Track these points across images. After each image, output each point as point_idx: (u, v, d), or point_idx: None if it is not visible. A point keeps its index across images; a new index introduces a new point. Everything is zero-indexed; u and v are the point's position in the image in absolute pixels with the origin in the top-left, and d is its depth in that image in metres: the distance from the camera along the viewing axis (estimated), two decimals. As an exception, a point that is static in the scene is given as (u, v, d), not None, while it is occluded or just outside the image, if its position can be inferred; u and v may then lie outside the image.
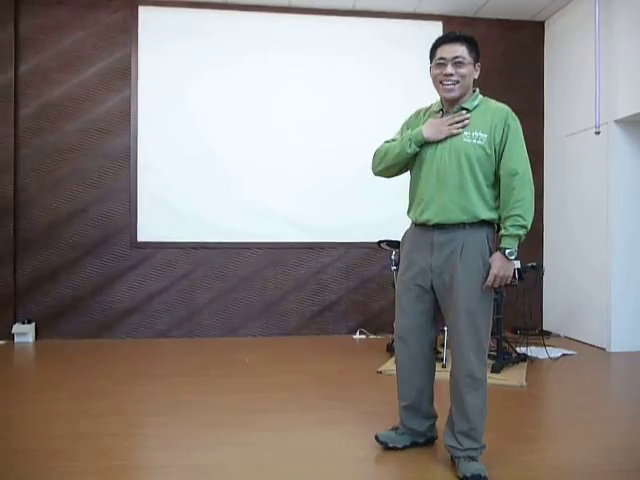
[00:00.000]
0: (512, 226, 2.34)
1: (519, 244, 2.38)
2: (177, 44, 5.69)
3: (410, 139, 2.49)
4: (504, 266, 2.37)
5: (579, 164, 5.65)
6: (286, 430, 3.04)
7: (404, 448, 2.72)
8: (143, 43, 5.65)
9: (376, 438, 2.75)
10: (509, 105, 2.52)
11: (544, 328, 6.03)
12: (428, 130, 2.45)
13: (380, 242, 5.00)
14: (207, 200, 5.73)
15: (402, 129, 2.68)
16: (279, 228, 5.82)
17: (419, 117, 2.63)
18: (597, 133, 5.17)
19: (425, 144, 2.48)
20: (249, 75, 5.79)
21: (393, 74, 5.91)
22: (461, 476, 2.38)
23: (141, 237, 5.65)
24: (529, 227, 2.37)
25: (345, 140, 5.87)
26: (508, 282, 2.40)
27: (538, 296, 6.07)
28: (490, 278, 2.37)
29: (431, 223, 2.44)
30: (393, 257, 4.78)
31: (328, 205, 5.86)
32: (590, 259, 5.46)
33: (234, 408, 3.41)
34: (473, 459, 2.42)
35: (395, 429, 2.78)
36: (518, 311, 5.25)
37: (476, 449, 2.44)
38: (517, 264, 4.55)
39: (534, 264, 4.76)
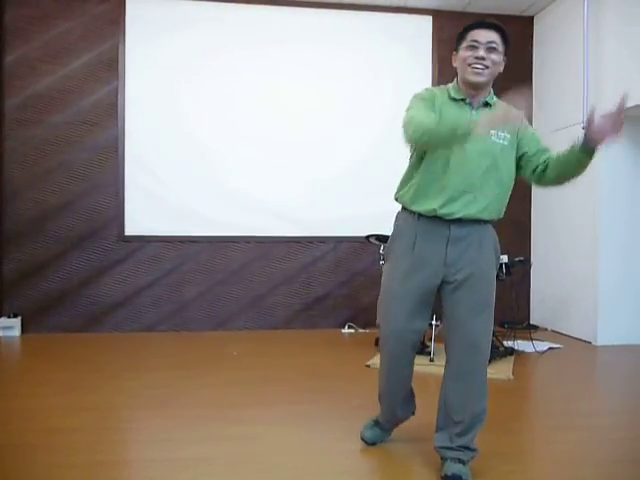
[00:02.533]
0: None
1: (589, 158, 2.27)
2: (166, 36, 5.64)
3: (459, 133, 2.10)
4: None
5: (567, 159, 5.67)
6: (274, 423, 3.04)
7: (391, 439, 2.75)
8: (131, 34, 5.59)
9: (363, 440, 2.73)
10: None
11: (531, 322, 6.08)
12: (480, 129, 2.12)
13: (369, 236, 5.00)
14: (195, 193, 5.70)
15: (424, 100, 2.37)
16: (268, 222, 5.80)
17: (435, 96, 2.40)
18: (584, 128, 5.18)
19: None
20: (238, 68, 5.75)
21: (383, 67, 5.89)
22: (442, 475, 2.32)
23: (129, 231, 5.61)
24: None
25: (334, 133, 5.85)
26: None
27: (525, 290, 6.11)
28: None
29: (454, 217, 2.31)
30: (382, 251, 4.78)
31: (317, 199, 5.85)
32: (577, 253, 5.50)
33: (222, 402, 3.40)
34: (461, 461, 2.32)
35: (377, 423, 2.75)
36: (506, 305, 5.27)
37: (465, 450, 2.35)
38: (505, 259, 4.61)
39: (522, 258, 4.79)
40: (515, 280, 4.90)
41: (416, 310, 2.41)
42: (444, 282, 2.38)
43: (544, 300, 6.05)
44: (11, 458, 2.56)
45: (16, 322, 5.35)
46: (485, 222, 2.38)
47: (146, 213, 5.64)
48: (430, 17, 5.99)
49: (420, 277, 2.38)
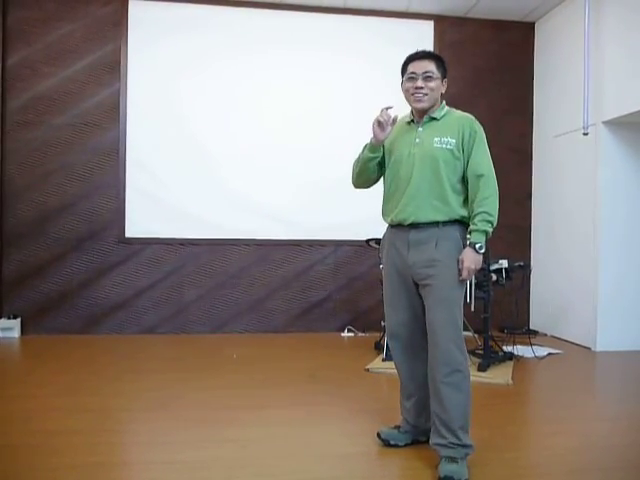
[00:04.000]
0: (480, 222, 2.48)
1: (487, 239, 2.52)
2: (167, 38, 5.66)
3: (365, 145, 2.74)
4: (475, 259, 2.49)
5: (567, 165, 5.69)
6: (273, 426, 3.04)
7: (405, 446, 2.73)
8: (133, 37, 5.61)
9: (378, 435, 2.77)
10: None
11: (531, 327, 6.07)
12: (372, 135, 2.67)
13: (369, 240, 5.01)
14: (196, 196, 5.71)
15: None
16: (268, 225, 5.81)
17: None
18: (585, 134, 5.20)
19: (397, 149, 2.66)
20: (239, 71, 5.77)
21: (384, 72, 5.89)
22: (437, 476, 2.38)
23: (129, 233, 5.62)
24: (495, 223, 2.52)
25: (335, 137, 5.86)
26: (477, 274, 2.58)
27: (525, 295, 6.10)
28: (465, 273, 2.49)
29: (407, 223, 2.58)
30: (381, 255, 4.78)
31: (317, 203, 5.86)
32: (577, 259, 5.50)
33: (221, 404, 3.40)
34: (454, 460, 2.39)
35: (397, 427, 2.80)
36: (505, 310, 5.28)
37: (459, 445, 2.42)
38: (505, 263, 4.61)
39: (521, 263, 4.79)
40: (515, 285, 4.89)
41: (403, 309, 2.67)
42: (415, 283, 2.61)
43: (544, 305, 6.05)
44: (11, 459, 2.56)
45: (16, 323, 5.35)
46: (444, 223, 2.54)
47: (146, 215, 5.64)
48: (432, 22, 6.01)
49: (396, 279, 2.67)
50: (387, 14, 5.94)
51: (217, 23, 5.73)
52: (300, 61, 5.86)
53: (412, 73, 2.62)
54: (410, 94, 2.64)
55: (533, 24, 6.26)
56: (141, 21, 5.63)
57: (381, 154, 2.72)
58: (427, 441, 2.66)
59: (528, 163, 6.25)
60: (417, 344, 2.67)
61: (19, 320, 5.40)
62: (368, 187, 2.88)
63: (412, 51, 2.72)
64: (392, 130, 2.72)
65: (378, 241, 4.90)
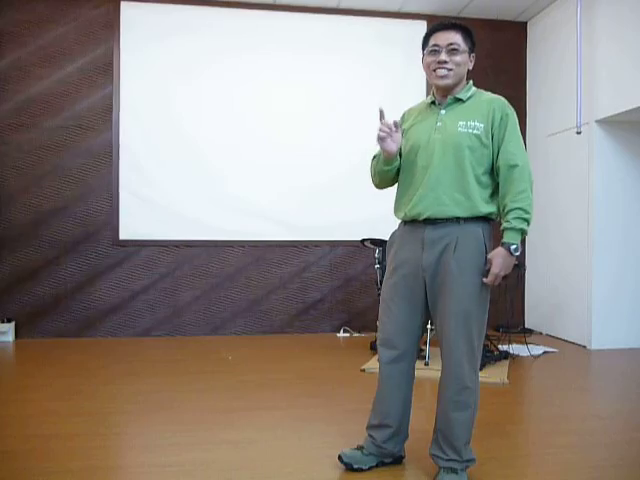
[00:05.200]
0: (515, 219, 2.17)
1: (522, 240, 2.22)
2: (160, 40, 5.65)
3: (376, 156, 2.48)
4: (506, 263, 2.20)
5: (561, 163, 5.71)
6: (269, 428, 3.04)
7: (370, 469, 2.47)
8: (125, 39, 5.59)
9: (339, 458, 2.46)
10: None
11: (526, 326, 6.08)
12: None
13: (364, 240, 5.01)
14: (190, 198, 5.70)
15: None
16: (263, 226, 5.80)
17: (404, 119, 2.53)
18: (578, 133, 5.22)
19: (415, 135, 2.37)
20: (233, 72, 5.76)
21: (378, 72, 5.91)
22: None
23: (123, 235, 5.60)
24: (530, 221, 2.21)
25: (329, 138, 5.87)
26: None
27: (520, 294, 6.13)
28: (491, 278, 2.21)
29: (422, 218, 2.28)
30: (377, 255, 4.79)
31: (312, 203, 5.86)
32: (571, 258, 5.52)
33: (217, 406, 3.40)
34: (454, 471, 2.27)
35: (360, 448, 2.50)
36: (500, 309, 5.28)
37: (459, 461, 2.29)
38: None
39: (516, 262, 4.78)
40: (510, 284, 4.90)
41: (403, 316, 2.37)
42: (426, 287, 2.32)
43: (539, 304, 6.06)
44: (8, 464, 2.54)
45: (10, 327, 5.33)
46: (466, 220, 2.25)
47: (141, 217, 5.63)
48: (424, 22, 6.01)
49: (401, 283, 2.36)
50: (380, 14, 5.94)
51: (210, 24, 5.72)
52: (294, 62, 5.86)
53: (435, 45, 2.29)
54: (432, 70, 2.31)
55: (525, 23, 6.28)
56: (133, 23, 5.61)
57: (398, 163, 2.41)
58: (392, 463, 2.50)
59: (522, 162, 6.26)
60: (412, 360, 2.42)
61: (13, 324, 5.37)
62: (393, 185, 2.56)
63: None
64: (404, 121, 2.47)
65: (373, 241, 4.91)
